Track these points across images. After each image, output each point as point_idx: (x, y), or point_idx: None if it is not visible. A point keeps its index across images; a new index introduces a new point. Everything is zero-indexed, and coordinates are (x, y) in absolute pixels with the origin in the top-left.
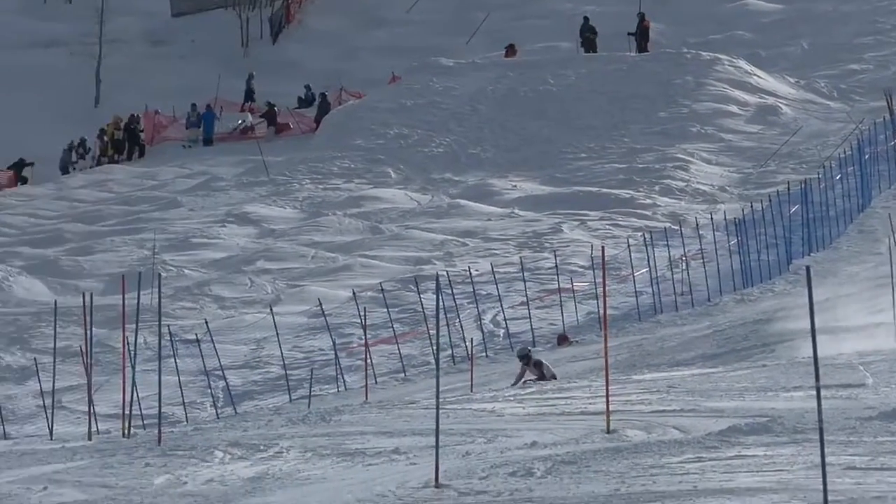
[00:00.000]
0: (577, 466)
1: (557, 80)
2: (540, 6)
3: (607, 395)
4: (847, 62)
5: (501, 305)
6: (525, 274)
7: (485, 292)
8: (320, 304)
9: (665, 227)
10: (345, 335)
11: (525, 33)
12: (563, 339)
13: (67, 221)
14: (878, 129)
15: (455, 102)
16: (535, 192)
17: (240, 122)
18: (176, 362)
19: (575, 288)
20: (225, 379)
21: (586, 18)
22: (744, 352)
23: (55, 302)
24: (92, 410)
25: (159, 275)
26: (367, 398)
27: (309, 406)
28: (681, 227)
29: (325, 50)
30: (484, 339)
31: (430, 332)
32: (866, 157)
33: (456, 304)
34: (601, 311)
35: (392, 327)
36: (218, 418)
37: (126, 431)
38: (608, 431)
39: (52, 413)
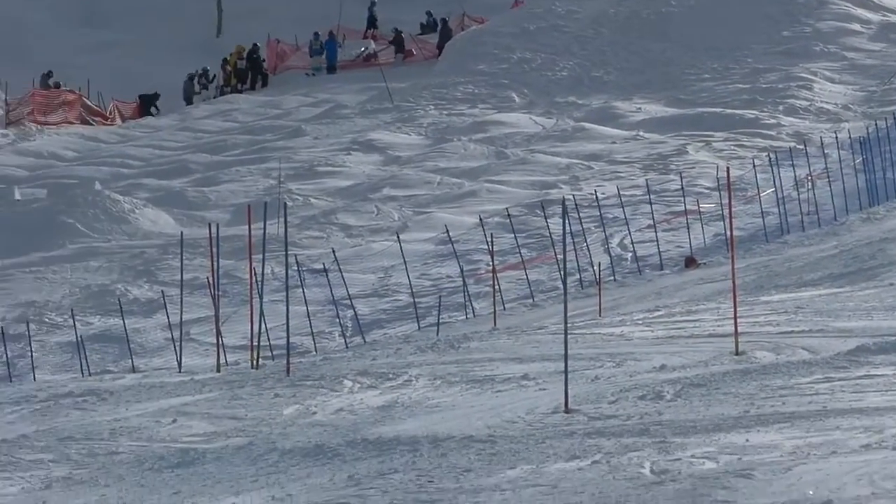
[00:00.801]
0: (706, 389)
1: (679, 2)
2: None
3: (735, 317)
4: None
5: (628, 228)
6: (651, 196)
7: (611, 215)
8: (447, 230)
9: (790, 147)
10: (472, 261)
11: None
12: (690, 262)
13: (192, 152)
14: None
15: (577, 26)
16: (660, 114)
17: (363, 49)
18: (303, 292)
19: (701, 209)
20: (353, 308)
21: None
22: (871, 271)
23: (181, 234)
24: (220, 342)
25: (285, 204)
26: (495, 324)
27: (437, 333)
28: (805, 146)
29: None
30: (612, 263)
31: (558, 256)
32: None
33: (583, 228)
34: (728, 233)
35: (519, 252)
36: (346, 348)
37: (255, 362)
38: (737, 353)
39: (181, 345)
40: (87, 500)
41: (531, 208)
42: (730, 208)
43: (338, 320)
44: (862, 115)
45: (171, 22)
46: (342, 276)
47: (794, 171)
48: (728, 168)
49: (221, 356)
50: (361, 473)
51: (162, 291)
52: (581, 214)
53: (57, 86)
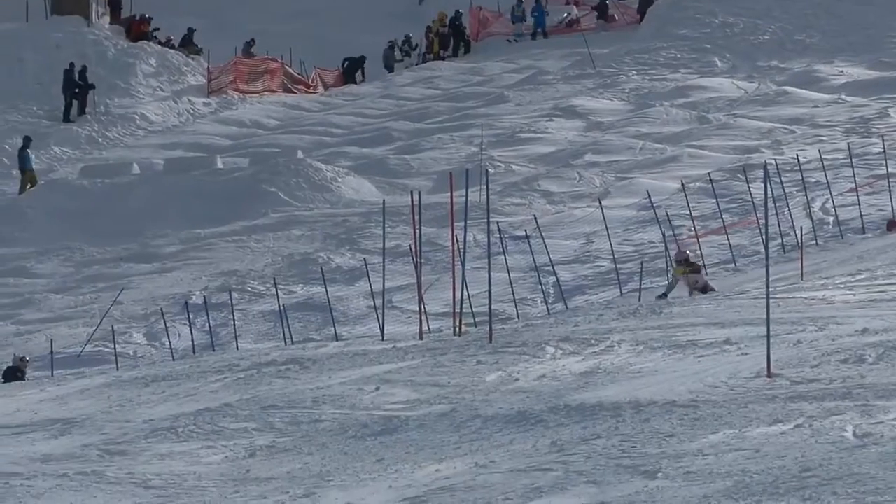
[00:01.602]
0: None
1: None
2: None
3: None
4: None
5: (830, 192)
6: (853, 160)
7: (813, 179)
8: (649, 195)
9: None
10: (674, 227)
11: None
12: (892, 225)
13: (395, 119)
14: None
15: None
16: (862, 77)
17: (565, 14)
18: (506, 259)
19: None
20: (555, 274)
21: None
22: None
23: (383, 201)
24: (422, 309)
25: (487, 171)
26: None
27: (639, 299)
28: None
29: None
30: (813, 227)
31: (760, 221)
32: None
33: (785, 193)
34: None
35: (721, 217)
36: (549, 314)
37: (457, 330)
38: None
39: (383, 313)
40: (291, 468)
41: (733, 173)
42: None
43: (540, 287)
44: None
45: None
46: (544, 242)
47: None
48: None
49: (424, 324)
50: (564, 439)
51: (364, 259)
52: (783, 179)
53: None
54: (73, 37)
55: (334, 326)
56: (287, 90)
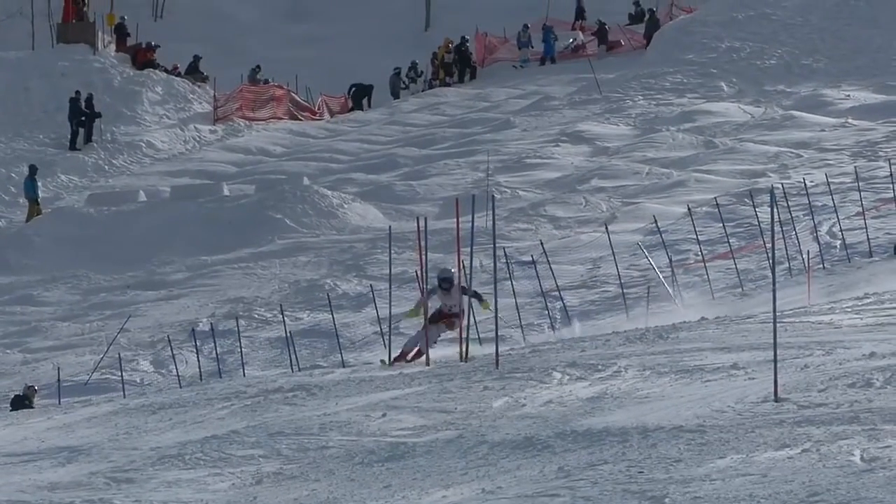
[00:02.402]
0: None
1: None
2: None
3: None
4: None
5: (837, 216)
6: (860, 184)
7: (820, 203)
8: (655, 220)
9: None
10: (681, 251)
11: None
12: None
13: (401, 146)
14: None
15: (786, 13)
16: (869, 101)
17: (571, 40)
18: (512, 284)
19: None
20: (562, 299)
21: None
22: None
23: (390, 228)
24: (428, 335)
25: (493, 197)
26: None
27: (646, 324)
28: None
29: None
30: (821, 251)
31: (767, 245)
32: None
33: (791, 217)
34: None
35: (728, 242)
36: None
37: (464, 355)
38: None
39: (390, 339)
40: (298, 495)
41: (739, 197)
42: None
43: (546, 311)
44: None
45: (378, 16)
46: (550, 267)
47: None
48: None
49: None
50: (571, 465)
51: (371, 285)
52: (790, 203)
53: (265, 81)
54: (80, 65)
55: (341, 353)
56: (293, 117)
